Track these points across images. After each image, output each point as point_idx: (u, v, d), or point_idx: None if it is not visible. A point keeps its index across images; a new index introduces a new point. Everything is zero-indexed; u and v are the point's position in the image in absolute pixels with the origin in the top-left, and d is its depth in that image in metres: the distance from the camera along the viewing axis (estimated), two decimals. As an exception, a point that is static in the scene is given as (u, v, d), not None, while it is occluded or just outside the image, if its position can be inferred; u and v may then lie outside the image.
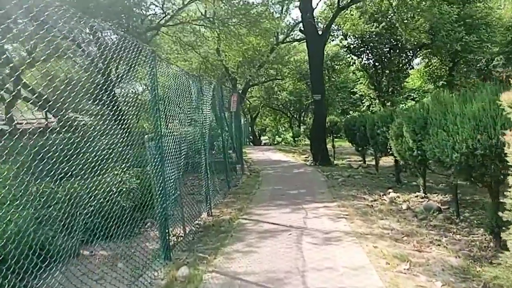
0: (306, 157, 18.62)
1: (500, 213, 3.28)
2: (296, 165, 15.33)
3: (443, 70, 21.67)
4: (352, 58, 21.21)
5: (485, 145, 4.56)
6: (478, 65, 20.65)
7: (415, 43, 17.95)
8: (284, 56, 27.58)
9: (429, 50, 19.87)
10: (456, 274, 4.35)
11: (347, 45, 20.72)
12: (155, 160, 4.99)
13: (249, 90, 31.14)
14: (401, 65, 20.05)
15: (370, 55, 20.27)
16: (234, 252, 5.27)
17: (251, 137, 41.51)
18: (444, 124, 5.49)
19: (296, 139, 29.38)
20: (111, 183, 6.37)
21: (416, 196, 8.67)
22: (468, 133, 4.79)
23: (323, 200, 8.44)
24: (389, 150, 10.20)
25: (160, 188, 4.95)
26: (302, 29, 16.15)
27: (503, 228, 3.53)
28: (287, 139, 37.79)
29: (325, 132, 15.81)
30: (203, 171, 7.62)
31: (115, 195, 5.41)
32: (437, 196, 8.82)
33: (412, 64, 21.06)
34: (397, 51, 19.44)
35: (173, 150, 5.94)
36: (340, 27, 19.42)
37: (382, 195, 8.84)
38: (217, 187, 9.48)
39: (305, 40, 25.06)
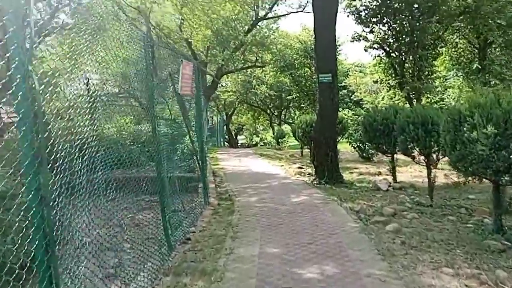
0: (300, 168, 13.32)
1: None
2: (291, 185, 9.92)
3: (472, 53, 16.67)
4: (363, 31, 15.34)
5: None
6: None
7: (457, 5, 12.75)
8: (265, 38, 22.23)
9: (461, 24, 14.75)
10: None
11: (356, 12, 14.83)
12: None
13: (221, 80, 25.66)
14: (432, 39, 14.33)
15: (389, 25, 14.52)
16: None
17: (227, 137, 36.47)
18: None
19: (280, 140, 23.94)
20: None
21: None
22: None
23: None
24: (498, 170, 4.99)
25: None
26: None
27: None
28: (266, 140, 32.82)
29: (336, 134, 10.52)
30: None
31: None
32: None
33: (445, 40, 15.65)
34: (431, 18, 13.78)
35: None
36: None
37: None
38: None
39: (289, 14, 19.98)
